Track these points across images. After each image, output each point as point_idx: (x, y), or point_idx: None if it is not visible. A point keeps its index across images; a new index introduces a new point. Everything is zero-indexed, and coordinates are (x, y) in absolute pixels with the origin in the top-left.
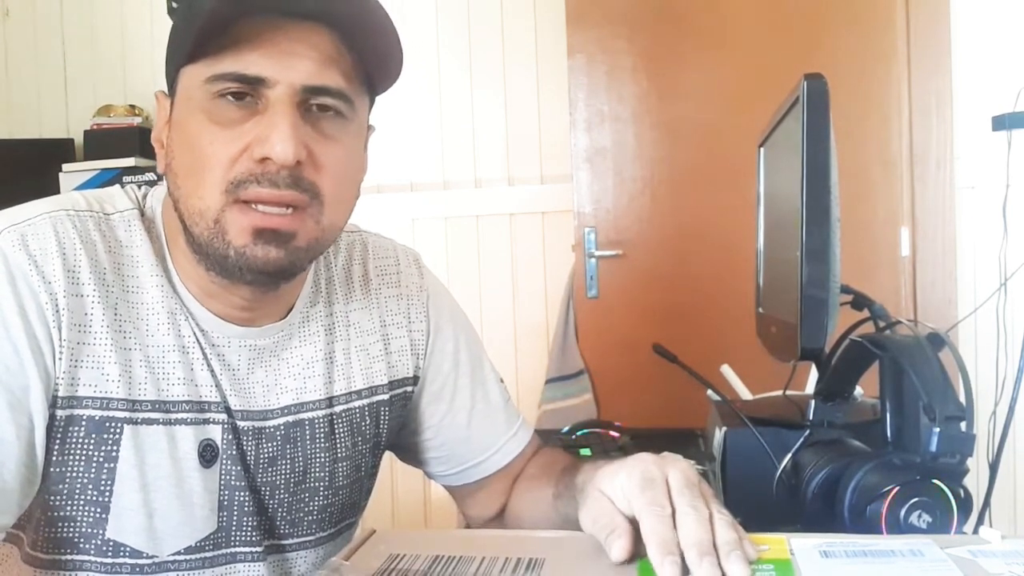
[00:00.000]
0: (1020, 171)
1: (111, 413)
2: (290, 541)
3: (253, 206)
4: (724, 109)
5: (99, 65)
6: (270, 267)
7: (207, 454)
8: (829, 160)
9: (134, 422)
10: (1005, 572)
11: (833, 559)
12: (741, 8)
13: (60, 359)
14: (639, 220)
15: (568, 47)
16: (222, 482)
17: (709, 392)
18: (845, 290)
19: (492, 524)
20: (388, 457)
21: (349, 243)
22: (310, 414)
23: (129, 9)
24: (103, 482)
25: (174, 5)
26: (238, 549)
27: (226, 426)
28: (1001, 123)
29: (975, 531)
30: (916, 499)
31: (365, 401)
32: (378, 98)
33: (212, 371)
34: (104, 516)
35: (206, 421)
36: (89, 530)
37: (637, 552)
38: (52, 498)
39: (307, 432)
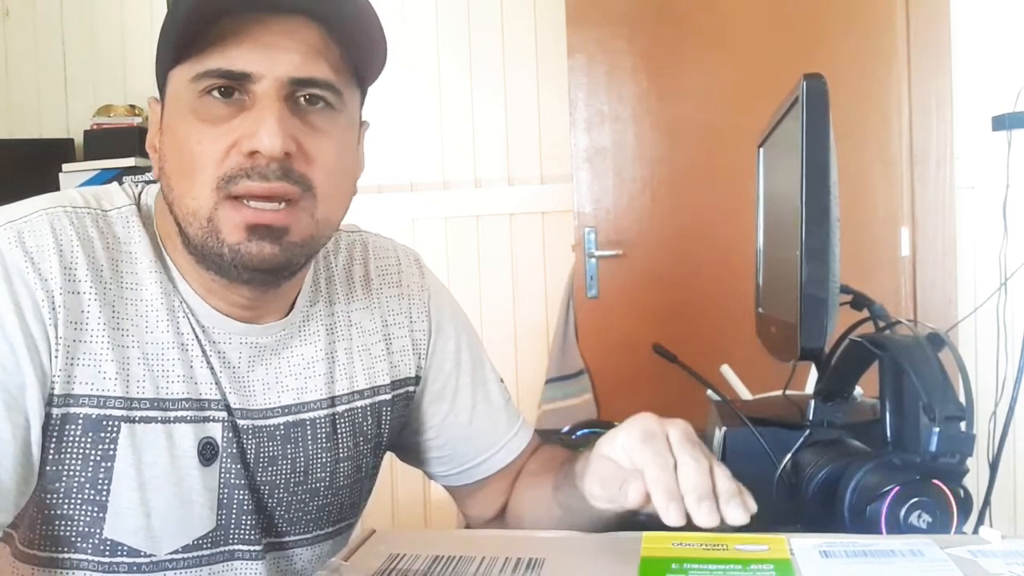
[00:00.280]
0: (1020, 171)
1: (108, 411)
2: (288, 539)
3: (245, 202)
4: (724, 109)
5: (99, 65)
6: (265, 264)
7: (207, 452)
8: (829, 160)
9: (131, 420)
10: (1005, 572)
11: (833, 559)
12: (741, 8)
13: (56, 357)
14: (639, 220)
15: (568, 47)
16: (222, 480)
17: (709, 392)
18: (845, 290)
19: (492, 524)
20: (388, 457)
21: (349, 243)
22: (311, 414)
23: (129, 9)
24: (100, 481)
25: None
26: (236, 547)
27: (226, 424)
28: (1001, 123)
29: (975, 531)
30: (916, 499)
31: (368, 401)
32: (378, 98)
33: (212, 368)
34: (101, 515)
35: (206, 419)
36: (86, 529)
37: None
38: (49, 496)
39: (308, 432)
